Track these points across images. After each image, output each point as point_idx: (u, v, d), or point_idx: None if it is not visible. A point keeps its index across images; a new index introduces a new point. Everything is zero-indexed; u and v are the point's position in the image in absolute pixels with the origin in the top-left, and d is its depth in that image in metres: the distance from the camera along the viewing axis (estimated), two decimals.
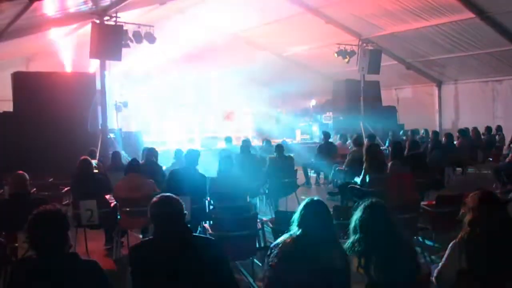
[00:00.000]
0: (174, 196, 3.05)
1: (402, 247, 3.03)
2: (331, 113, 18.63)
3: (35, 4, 9.01)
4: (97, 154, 10.21)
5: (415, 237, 5.64)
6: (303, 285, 2.98)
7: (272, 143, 11.03)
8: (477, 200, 3.17)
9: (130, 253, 3.03)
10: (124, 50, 12.16)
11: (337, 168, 10.24)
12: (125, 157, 10.96)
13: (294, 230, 3.14)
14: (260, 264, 4.97)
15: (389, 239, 3.00)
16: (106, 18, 11.74)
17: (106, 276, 2.85)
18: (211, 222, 5.57)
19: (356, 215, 3.13)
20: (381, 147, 8.20)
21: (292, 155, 10.41)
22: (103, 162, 9.87)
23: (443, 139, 11.66)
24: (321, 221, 3.10)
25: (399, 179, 6.69)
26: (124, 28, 12.26)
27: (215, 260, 2.95)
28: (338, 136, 13.14)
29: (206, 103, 18.69)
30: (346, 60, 16.54)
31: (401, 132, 15.01)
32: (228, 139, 11.93)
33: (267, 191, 8.59)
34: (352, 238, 3.09)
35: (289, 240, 3.11)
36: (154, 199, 3.02)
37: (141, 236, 6.57)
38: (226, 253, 3.07)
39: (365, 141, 9.87)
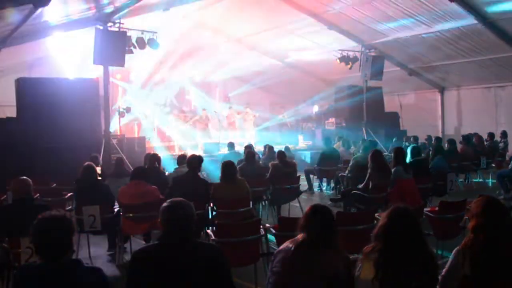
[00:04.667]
0: (185, 200, 3.06)
1: (424, 263, 2.89)
2: (333, 119, 18.64)
3: (39, 10, 9.06)
4: (100, 160, 10.22)
5: None
6: None
7: (275, 149, 11.00)
8: (481, 206, 3.15)
9: (133, 255, 3.02)
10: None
11: (339, 174, 10.23)
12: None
13: (298, 236, 3.13)
14: (264, 270, 4.95)
15: (412, 254, 2.87)
16: (110, 24, 11.81)
17: (109, 285, 2.84)
18: (214, 228, 5.55)
19: (382, 220, 3.03)
20: (383, 153, 8.16)
21: (294, 161, 10.39)
22: (105, 168, 9.86)
23: (446, 145, 11.64)
24: (324, 228, 3.09)
25: (402, 185, 6.67)
26: (128, 34, 12.32)
27: (216, 267, 2.94)
28: (341, 142, 13.12)
29: (208, 108, 18.69)
30: (349, 66, 16.57)
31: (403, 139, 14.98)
32: (230, 145, 11.93)
33: (269, 197, 8.57)
34: (373, 244, 2.99)
35: (292, 246, 3.10)
36: (166, 203, 3.02)
37: (143, 242, 6.57)
38: (228, 260, 3.06)
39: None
